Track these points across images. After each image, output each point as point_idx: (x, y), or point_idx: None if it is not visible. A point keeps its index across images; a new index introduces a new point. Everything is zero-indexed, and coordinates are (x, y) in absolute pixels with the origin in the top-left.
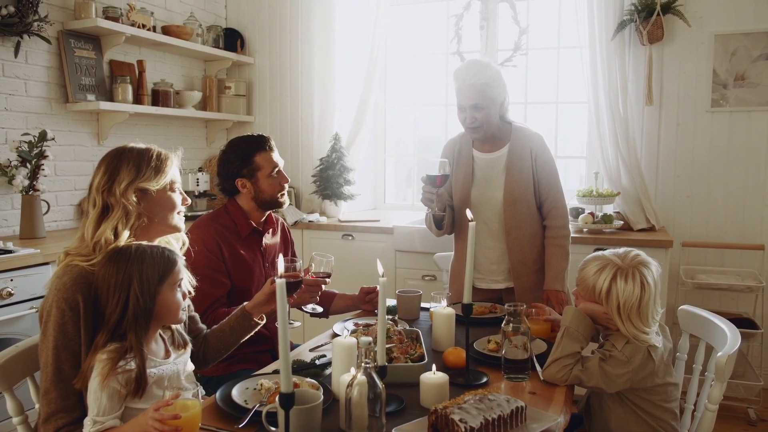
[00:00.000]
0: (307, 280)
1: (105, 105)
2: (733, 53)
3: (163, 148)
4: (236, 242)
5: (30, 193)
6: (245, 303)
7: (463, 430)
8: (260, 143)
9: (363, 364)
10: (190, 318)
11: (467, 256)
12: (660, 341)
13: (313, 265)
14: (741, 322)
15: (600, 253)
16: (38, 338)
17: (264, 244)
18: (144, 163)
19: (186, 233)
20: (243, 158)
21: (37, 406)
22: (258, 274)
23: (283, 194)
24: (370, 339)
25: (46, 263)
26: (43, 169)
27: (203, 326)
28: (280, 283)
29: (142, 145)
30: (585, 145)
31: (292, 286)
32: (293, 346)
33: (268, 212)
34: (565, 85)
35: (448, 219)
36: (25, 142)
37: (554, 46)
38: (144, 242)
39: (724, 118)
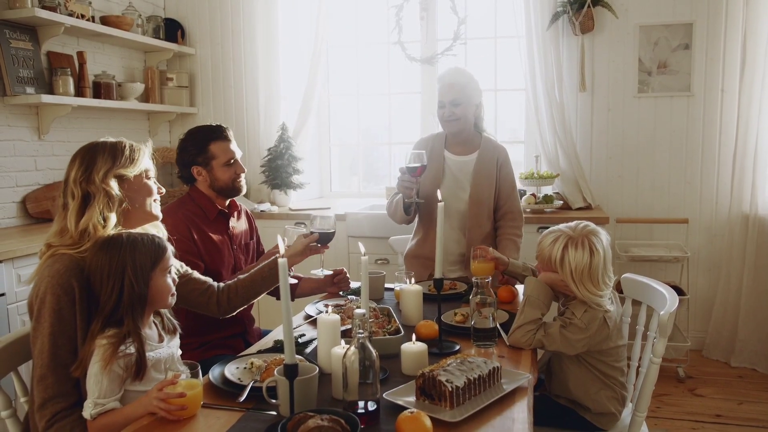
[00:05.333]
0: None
1: (47, 98)
2: (656, 43)
3: (133, 141)
4: (204, 226)
5: None
6: (278, 253)
7: (450, 389)
8: (216, 132)
9: (357, 335)
10: (190, 279)
11: (437, 233)
12: (613, 307)
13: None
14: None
15: (556, 227)
16: (20, 333)
17: (231, 227)
18: (119, 152)
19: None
20: (199, 146)
21: (22, 399)
22: (227, 256)
23: (239, 180)
24: (363, 311)
25: None
26: None
27: (208, 279)
28: (304, 239)
29: (113, 139)
30: (523, 130)
31: (327, 237)
32: (265, 332)
33: (230, 199)
34: (503, 74)
35: (415, 208)
36: None
37: (492, 36)
38: (133, 231)
39: (649, 103)
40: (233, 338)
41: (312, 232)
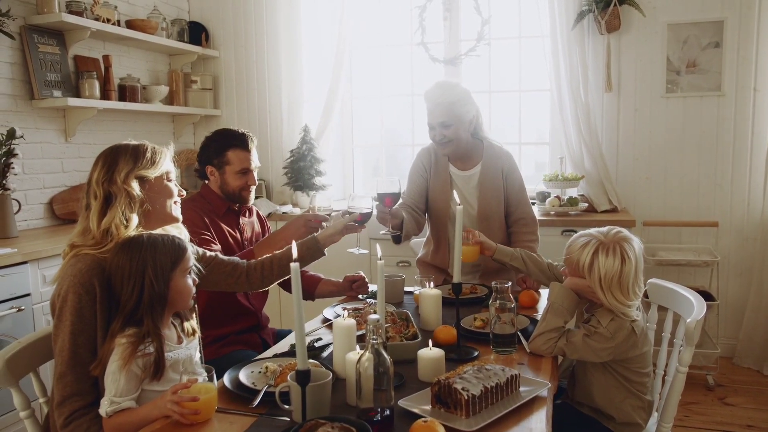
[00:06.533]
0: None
1: (73, 101)
2: (685, 41)
3: (157, 143)
4: (216, 218)
5: (0, 192)
6: (315, 234)
7: (466, 397)
8: (239, 140)
9: (371, 341)
10: (216, 265)
11: (456, 238)
12: (641, 315)
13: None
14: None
15: (587, 231)
16: (43, 332)
17: (241, 223)
18: (140, 154)
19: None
20: (218, 149)
21: (41, 399)
22: (237, 250)
23: (248, 191)
24: (377, 317)
25: (24, 262)
26: (13, 168)
27: (233, 258)
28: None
29: (135, 141)
30: (548, 131)
31: (365, 216)
32: (281, 333)
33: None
34: (528, 74)
35: (407, 228)
36: None
37: (516, 36)
38: (154, 231)
39: (678, 103)
40: (247, 332)
41: (350, 212)
